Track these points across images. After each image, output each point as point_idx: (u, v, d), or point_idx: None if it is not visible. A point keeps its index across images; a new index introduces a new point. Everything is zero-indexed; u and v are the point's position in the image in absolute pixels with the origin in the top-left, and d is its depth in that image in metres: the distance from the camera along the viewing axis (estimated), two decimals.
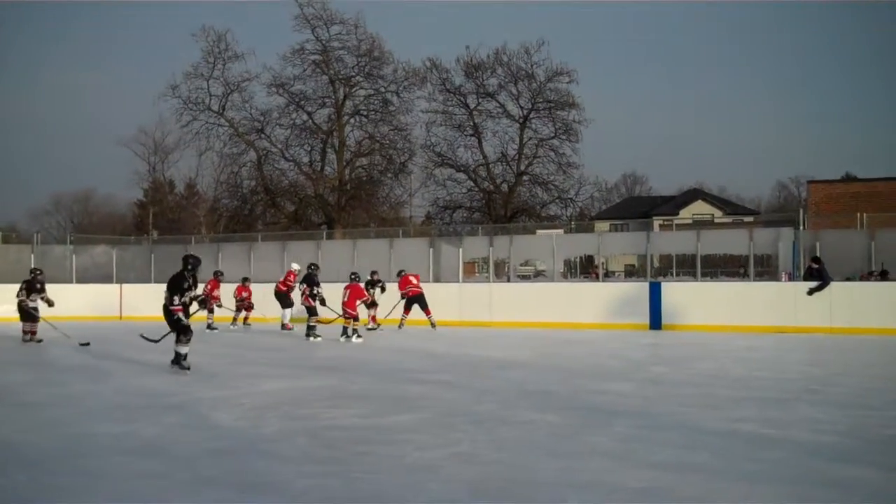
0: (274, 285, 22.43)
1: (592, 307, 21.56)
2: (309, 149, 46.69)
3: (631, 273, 40.80)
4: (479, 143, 47.99)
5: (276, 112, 45.67)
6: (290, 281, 21.96)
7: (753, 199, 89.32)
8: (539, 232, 30.95)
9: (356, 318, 18.58)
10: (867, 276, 20.93)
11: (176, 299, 12.55)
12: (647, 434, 7.73)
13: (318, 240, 29.53)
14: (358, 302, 18.73)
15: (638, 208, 76.73)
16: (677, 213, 70.07)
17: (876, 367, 13.29)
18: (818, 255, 20.45)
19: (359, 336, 18.31)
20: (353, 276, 19.55)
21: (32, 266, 22.46)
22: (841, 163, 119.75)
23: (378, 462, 6.68)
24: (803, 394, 10.22)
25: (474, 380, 11.59)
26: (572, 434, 7.76)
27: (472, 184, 48.30)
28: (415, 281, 21.20)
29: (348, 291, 18.86)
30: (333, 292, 19.52)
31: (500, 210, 46.41)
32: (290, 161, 46.32)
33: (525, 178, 48.03)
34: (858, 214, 23.59)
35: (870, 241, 21.44)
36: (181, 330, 12.54)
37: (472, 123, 47.85)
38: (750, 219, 56.59)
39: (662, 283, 21.84)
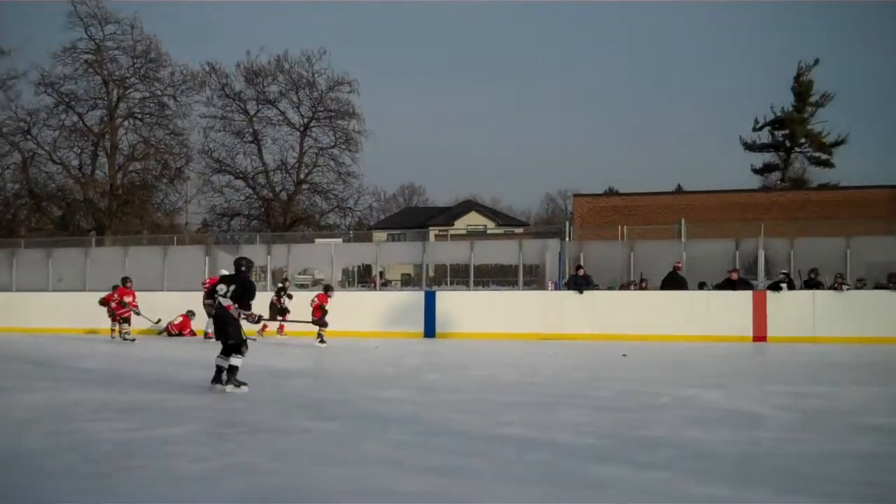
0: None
1: (370, 315, 21.79)
2: (79, 152, 44.91)
3: (407, 282, 41.39)
4: (259, 150, 47.61)
5: (43, 112, 43.66)
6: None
7: (524, 212, 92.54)
8: (318, 241, 30.91)
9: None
10: (627, 286, 22.19)
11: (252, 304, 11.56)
12: (420, 440, 7.92)
13: (87, 247, 28.23)
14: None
15: (415, 219, 77.85)
16: (452, 224, 71.60)
17: (633, 372, 14.11)
18: (581, 265, 21.55)
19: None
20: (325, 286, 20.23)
21: None
22: (604, 177, 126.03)
23: (148, 475, 6.51)
24: (567, 398, 10.71)
25: (250, 389, 11.46)
26: (348, 442, 7.82)
27: (250, 191, 47.82)
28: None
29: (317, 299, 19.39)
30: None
31: (279, 218, 46.13)
32: (58, 164, 44.33)
33: (305, 186, 48.00)
34: (620, 227, 25.02)
35: (629, 252, 22.76)
36: (244, 341, 11.46)
37: (251, 130, 47.38)
38: (520, 230, 58.68)
39: (437, 292, 22.34)
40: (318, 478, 6.42)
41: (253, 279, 11.90)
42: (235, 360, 11.31)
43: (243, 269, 11.74)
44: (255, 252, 25.82)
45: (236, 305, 11.45)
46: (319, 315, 19.18)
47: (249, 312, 11.58)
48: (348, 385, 12.16)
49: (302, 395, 11.06)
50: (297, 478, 6.43)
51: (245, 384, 11.25)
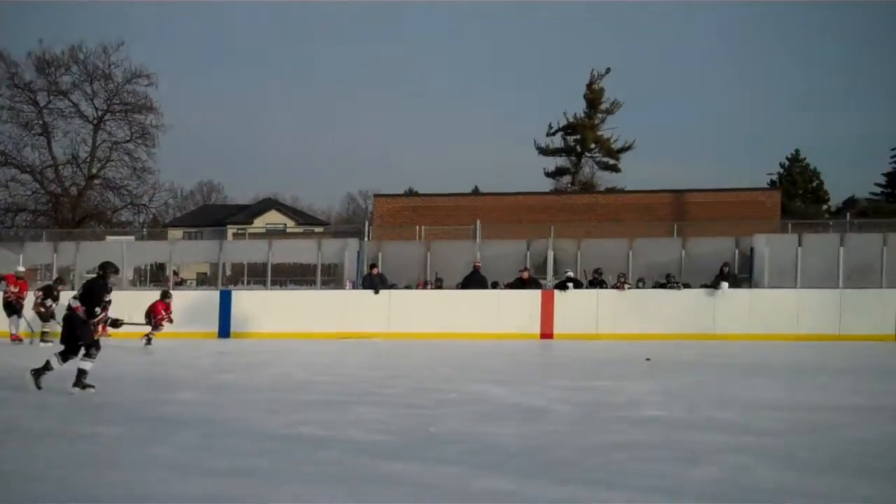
0: None
1: None
2: None
3: (203, 281, 40.53)
4: (49, 143, 45.49)
5: None
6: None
7: (325, 211, 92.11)
8: (109, 238, 29.80)
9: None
10: (423, 285, 22.57)
11: (97, 310, 11.24)
12: (210, 442, 7.83)
13: None
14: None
15: (213, 216, 76.02)
16: (251, 223, 70.39)
17: (424, 369, 14.43)
18: (375, 263, 21.80)
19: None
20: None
21: None
22: (404, 178, 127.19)
23: None
24: (361, 396, 10.85)
25: (29, 395, 10.94)
26: (133, 446, 7.66)
27: (37, 186, 45.56)
28: None
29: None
30: None
31: (67, 214, 44.20)
32: None
33: (97, 181, 46.24)
34: (417, 227, 25.43)
35: (426, 251, 23.18)
36: (94, 344, 11.18)
37: (41, 122, 45.13)
38: (320, 229, 58.49)
39: (233, 291, 22.06)
40: (98, 484, 6.24)
41: (107, 283, 11.65)
42: (85, 364, 11.09)
43: (99, 273, 11.65)
44: (41, 250, 24.74)
45: (84, 308, 11.25)
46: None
47: (98, 316, 11.49)
48: (137, 388, 11.87)
49: (88, 399, 10.69)
50: (75, 485, 6.22)
51: (92, 386, 11.00)
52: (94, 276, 11.80)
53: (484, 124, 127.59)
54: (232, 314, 21.10)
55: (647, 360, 15.51)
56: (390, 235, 28.81)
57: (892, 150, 60.16)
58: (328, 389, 11.62)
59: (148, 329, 18.91)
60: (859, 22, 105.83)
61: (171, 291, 20.51)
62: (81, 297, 11.33)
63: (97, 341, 11.39)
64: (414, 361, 15.82)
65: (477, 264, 21.74)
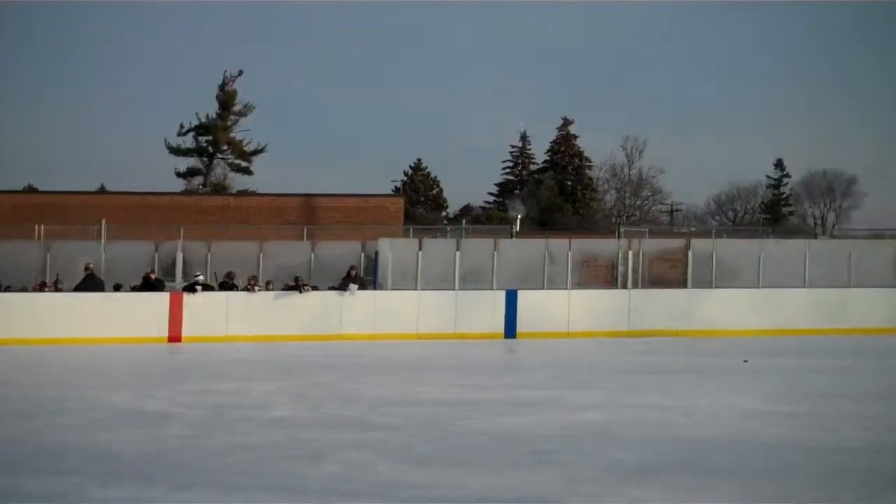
0: None
1: None
2: None
3: None
4: None
5: None
6: None
7: None
8: None
9: None
10: (40, 287, 21.32)
11: None
12: None
13: None
14: None
15: None
16: None
17: (44, 376, 13.89)
18: None
19: None
20: None
21: None
22: (23, 174, 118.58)
23: None
24: None
25: None
26: None
27: None
28: None
29: None
30: None
31: None
32: None
33: None
34: (36, 226, 24.01)
35: (46, 252, 21.94)
36: None
37: None
38: None
39: None
40: None
41: None
42: None
43: None
44: None
45: None
46: None
47: None
48: None
49: None
50: None
51: None
52: None
53: (111, 119, 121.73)
54: None
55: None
56: (5, 234, 26.89)
57: (504, 162, 65.38)
58: None
59: None
60: (484, 36, 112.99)
61: None
62: None
63: None
64: (27, 368, 15.03)
65: (89, 265, 20.83)
